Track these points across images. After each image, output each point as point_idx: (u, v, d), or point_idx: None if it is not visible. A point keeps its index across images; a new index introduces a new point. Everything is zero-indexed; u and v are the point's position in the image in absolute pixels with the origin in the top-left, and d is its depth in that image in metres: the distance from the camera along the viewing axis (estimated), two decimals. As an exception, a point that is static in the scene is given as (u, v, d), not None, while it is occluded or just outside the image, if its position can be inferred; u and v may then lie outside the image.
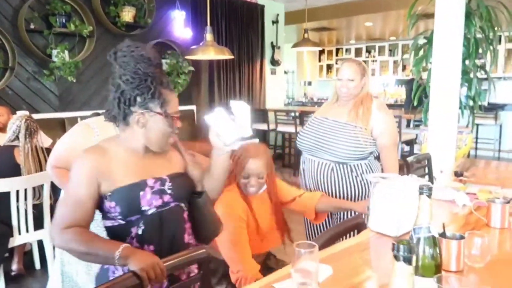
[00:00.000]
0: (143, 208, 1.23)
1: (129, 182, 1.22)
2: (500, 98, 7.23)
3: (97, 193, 1.22)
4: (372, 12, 6.68)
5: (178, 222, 1.32)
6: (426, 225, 0.88)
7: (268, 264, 1.82)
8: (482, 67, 3.71)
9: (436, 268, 0.85)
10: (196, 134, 5.35)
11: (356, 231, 1.57)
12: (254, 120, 6.41)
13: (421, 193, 0.87)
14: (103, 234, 1.29)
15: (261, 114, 6.29)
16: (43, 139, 2.88)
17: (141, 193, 1.22)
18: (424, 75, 3.75)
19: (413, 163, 2.78)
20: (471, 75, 3.50)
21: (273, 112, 6.16)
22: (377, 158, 2.32)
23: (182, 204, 1.34)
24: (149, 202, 1.24)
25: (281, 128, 6.11)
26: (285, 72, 8.55)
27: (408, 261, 0.56)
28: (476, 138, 6.82)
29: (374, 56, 10.01)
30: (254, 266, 1.59)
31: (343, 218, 2.21)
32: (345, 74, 2.17)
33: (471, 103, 3.59)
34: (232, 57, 4.36)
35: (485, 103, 6.66)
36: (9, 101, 3.71)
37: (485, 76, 3.77)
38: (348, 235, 1.59)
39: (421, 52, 3.63)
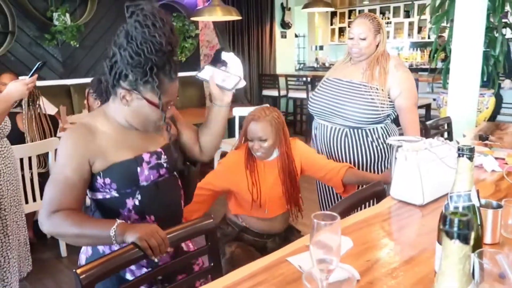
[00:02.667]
0: (141, 184, 1.17)
1: (124, 158, 1.14)
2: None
3: (89, 173, 1.13)
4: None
5: (174, 190, 1.27)
6: (465, 192, 0.76)
7: (290, 238, 1.76)
8: (509, 25, 3.47)
9: (476, 242, 0.74)
10: (204, 100, 5.23)
11: (375, 200, 1.46)
12: (264, 86, 6.24)
13: (460, 155, 0.75)
14: None
15: (271, 79, 6.11)
16: (47, 107, 2.79)
17: (139, 169, 1.16)
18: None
19: (432, 127, 2.64)
20: (496, 33, 3.27)
21: (284, 77, 5.97)
22: (394, 121, 2.19)
23: (175, 173, 1.30)
24: (147, 178, 1.18)
25: (292, 94, 5.94)
26: (296, 36, 8.22)
27: (465, 239, 0.44)
28: (499, 101, 6.53)
29: (388, 18, 9.58)
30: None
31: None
32: (356, 32, 2.00)
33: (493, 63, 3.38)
34: (239, 18, 4.15)
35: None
36: (12, 67, 3.59)
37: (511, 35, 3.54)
38: (367, 204, 1.49)
39: (440, 10, 3.39)
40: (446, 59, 3.56)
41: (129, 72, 1.09)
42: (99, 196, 1.19)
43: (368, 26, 2.00)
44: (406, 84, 2.01)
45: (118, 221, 1.06)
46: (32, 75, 1.81)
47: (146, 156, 1.18)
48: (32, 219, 2.91)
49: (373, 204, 1.46)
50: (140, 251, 1.03)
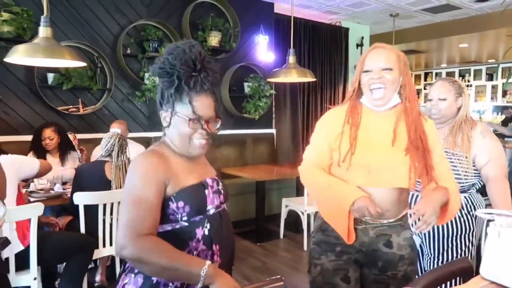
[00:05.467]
0: (208, 207, 1.21)
1: (191, 183, 1.20)
2: None
3: (163, 196, 1.15)
4: (468, 32, 6.16)
5: (229, 221, 1.31)
6: None
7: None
8: None
9: None
10: (275, 158, 5.29)
11: (461, 279, 1.32)
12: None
13: None
14: None
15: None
16: (138, 150, 3.01)
17: (206, 191, 1.22)
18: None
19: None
20: None
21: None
22: (479, 191, 2.02)
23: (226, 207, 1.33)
24: (212, 201, 1.23)
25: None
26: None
27: None
28: None
29: (468, 81, 9.23)
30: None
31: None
32: (435, 93, 1.95)
33: None
34: (314, 79, 4.26)
35: None
36: (105, 120, 3.99)
37: None
38: (451, 283, 1.35)
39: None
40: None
41: (163, 87, 1.18)
42: (168, 227, 1.17)
43: (447, 87, 1.95)
44: (494, 152, 1.88)
45: (207, 262, 1.08)
46: None
47: (209, 181, 1.25)
48: (106, 263, 3.05)
49: (458, 283, 1.32)
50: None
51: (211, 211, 1.22)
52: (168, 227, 1.18)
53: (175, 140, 1.22)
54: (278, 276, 1.19)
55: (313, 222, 3.75)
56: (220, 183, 1.31)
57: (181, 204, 1.16)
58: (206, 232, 1.19)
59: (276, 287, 1.16)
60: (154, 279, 1.15)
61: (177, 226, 1.17)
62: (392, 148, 1.44)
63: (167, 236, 1.16)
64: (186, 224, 1.17)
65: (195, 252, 1.17)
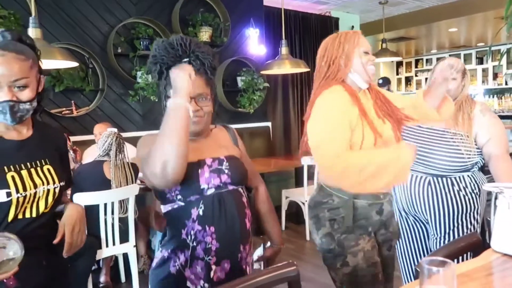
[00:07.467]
0: (202, 187, 1.23)
1: (188, 161, 1.20)
2: None
3: None
4: (456, 16, 6.18)
5: (238, 205, 1.28)
6: None
7: None
8: None
9: None
10: (272, 150, 5.29)
11: (472, 253, 1.32)
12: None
13: None
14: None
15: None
16: (130, 152, 2.99)
17: (200, 170, 1.23)
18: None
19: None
20: None
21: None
22: (481, 169, 2.03)
23: (241, 189, 1.32)
24: (207, 181, 1.23)
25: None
26: (361, 86, 8.20)
27: None
28: None
29: (459, 65, 9.27)
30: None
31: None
32: (448, 73, 1.93)
33: None
34: (308, 69, 4.26)
35: None
36: (99, 121, 3.94)
37: None
38: (462, 258, 1.35)
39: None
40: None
41: (154, 78, 1.25)
42: (168, 208, 1.27)
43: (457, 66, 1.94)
44: (495, 129, 1.89)
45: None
46: None
47: (208, 161, 1.26)
48: (109, 264, 3.02)
49: (468, 258, 1.32)
50: None
51: (208, 192, 1.23)
52: (168, 208, 1.27)
53: None
54: (291, 261, 1.19)
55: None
56: (227, 163, 1.29)
57: None
58: (201, 213, 1.22)
59: (290, 271, 1.16)
60: (165, 255, 1.26)
61: (175, 206, 1.25)
62: (382, 119, 1.57)
63: (168, 216, 1.27)
64: (182, 204, 1.24)
65: (192, 232, 1.22)
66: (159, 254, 1.30)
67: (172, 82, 1.16)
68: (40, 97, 1.21)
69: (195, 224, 1.22)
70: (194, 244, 1.23)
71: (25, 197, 1.14)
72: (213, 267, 1.24)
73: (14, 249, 0.99)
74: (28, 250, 1.02)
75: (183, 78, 1.14)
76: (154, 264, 1.31)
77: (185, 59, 1.24)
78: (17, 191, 1.13)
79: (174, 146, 1.09)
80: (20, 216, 1.15)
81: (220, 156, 1.30)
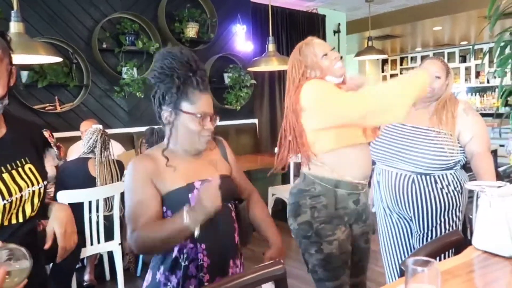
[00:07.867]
0: None
1: (177, 186, 1.23)
2: None
3: (159, 193, 1.23)
4: (441, 15, 6.27)
5: (227, 221, 1.32)
6: None
7: None
8: None
9: None
10: (258, 147, 5.29)
11: (454, 250, 1.35)
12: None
13: None
14: None
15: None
16: (115, 148, 2.96)
17: (190, 195, 1.23)
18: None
19: (505, 174, 2.47)
20: None
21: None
22: (463, 167, 2.07)
23: (230, 205, 1.35)
24: None
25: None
26: (347, 84, 8.26)
27: None
28: None
29: (443, 63, 9.41)
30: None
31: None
32: (433, 71, 1.95)
33: None
34: (295, 67, 4.26)
35: None
36: (84, 117, 3.88)
37: None
38: (445, 255, 1.38)
39: (507, 50, 3.26)
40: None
41: (164, 90, 1.24)
42: None
43: (440, 65, 1.96)
44: (477, 128, 1.92)
45: (184, 208, 1.13)
46: None
47: (197, 184, 1.26)
48: (94, 262, 2.99)
49: (451, 255, 1.35)
50: None
51: None
52: None
53: (181, 138, 1.27)
54: (277, 259, 1.20)
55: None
56: None
57: (164, 208, 1.25)
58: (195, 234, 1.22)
59: (277, 270, 1.17)
60: (157, 277, 1.27)
61: None
62: None
63: None
64: None
65: (185, 250, 1.25)
66: (149, 277, 1.31)
67: (199, 201, 1.14)
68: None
69: (187, 242, 1.24)
70: (186, 263, 1.25)
71: (11, 202, 1.04)
72: (206, 284, 1.25)
73: (22, 259, 0.92)
74: None
75: (211, 206, 1.13)
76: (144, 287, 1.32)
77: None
78: (3, 198, 1.02)
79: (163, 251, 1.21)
80: (6, 223, 1.05)
81: (208, 178, 1.26)
